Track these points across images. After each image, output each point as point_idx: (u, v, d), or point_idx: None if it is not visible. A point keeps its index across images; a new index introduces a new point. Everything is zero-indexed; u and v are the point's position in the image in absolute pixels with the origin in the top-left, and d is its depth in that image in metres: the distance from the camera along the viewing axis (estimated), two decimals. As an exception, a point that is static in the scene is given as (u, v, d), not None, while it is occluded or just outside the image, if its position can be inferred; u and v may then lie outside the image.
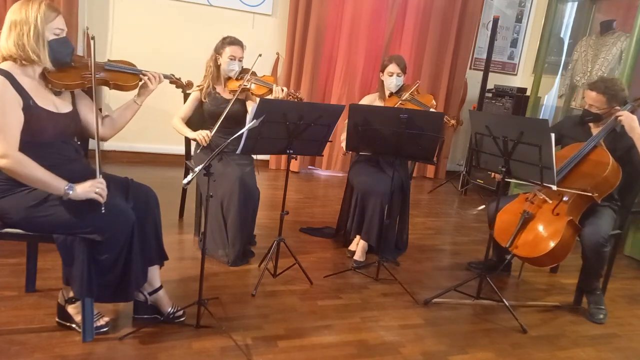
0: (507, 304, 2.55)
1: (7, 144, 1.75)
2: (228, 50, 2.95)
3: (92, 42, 1.97)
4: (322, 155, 4.80)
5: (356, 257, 3.07)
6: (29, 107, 1.83)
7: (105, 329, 2.02)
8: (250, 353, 2.02)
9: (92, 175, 1.89)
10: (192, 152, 3.14)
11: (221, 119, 2.82)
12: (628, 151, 2.64)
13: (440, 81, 5.61)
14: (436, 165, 5.80)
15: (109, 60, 2.14)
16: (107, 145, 4.66)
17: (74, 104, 2.04)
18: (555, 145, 2.41)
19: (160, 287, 2.16)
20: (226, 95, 3.02)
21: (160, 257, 2.17)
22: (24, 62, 1.84)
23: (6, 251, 2.57)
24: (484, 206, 4.78)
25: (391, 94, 3.22)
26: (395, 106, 3.10)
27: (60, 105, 1.96)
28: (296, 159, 2.74)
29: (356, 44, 5.27)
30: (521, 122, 2.79)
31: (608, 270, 2.88)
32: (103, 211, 1.84)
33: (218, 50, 2.99)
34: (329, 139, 2.67)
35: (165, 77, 2.25)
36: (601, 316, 2.69)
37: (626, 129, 2.60)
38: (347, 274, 2.89)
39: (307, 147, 2.67)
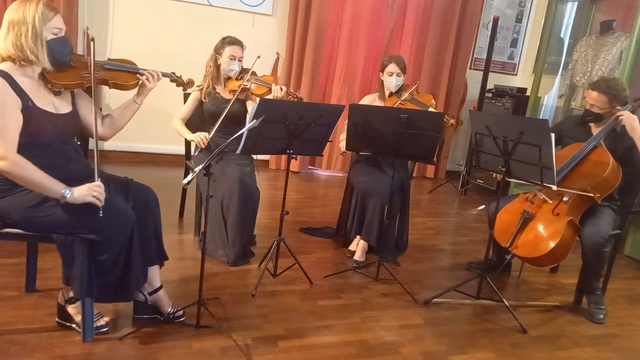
0: (507, 304, 2.55)
1: (6, 146, 1.74)
2: (228, 50, 2.94)
3: (92, 43, 1.95)
4: (322, 155, 4.83)
5: (356, 257, 3.07)
6: (28, 109, 1.82)
7: (105, 329, 2.02)
8: (250, 353, 2.02)
9: (92, 176, 1.88)
10: (192, 152, 3.14)
11: (221, 119, 2.82)
12: (628, 151, 2.64)
13: (440, 81, 5.61)
14: (436, 165, 5.79)
15: (108, 59, 2.12)
16: (107, 145, 4.67)
17: (73, 103, 2.03)
18: (556, 145, 2.42)
19: (160, 287, 2.16)
20: (226, 95, 3.02)
21: (160, 257, 2.17)
22: (22, 62, 1.83)
23: (6, 251, 2.57)
24: (484, 206, 4.78)
25: (391, 94, 3.23)
26: (395, 106, 3.11)
27: (59, 105, 1.95)
28: (296, 159, 2.74)
29: (356, 44, 5.27)
30: (521, 122, 2.79)
31: (608, 270, 2.88)
32: (101, 215, 1.83)
33: (218, 50, 2.99)
34: (329, 139, 2.67)
35: (165, 75, 2.23)
36: (601, 316, 2.69)
37: (627, 129, 2.60)
38: (347, 274, 2.89)
39: (307, 147, 2.67)
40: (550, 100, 5.26)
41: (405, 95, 3.17)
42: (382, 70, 3.22)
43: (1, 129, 1.74)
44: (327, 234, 3.47)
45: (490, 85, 5.31)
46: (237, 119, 3.00)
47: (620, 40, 4.35)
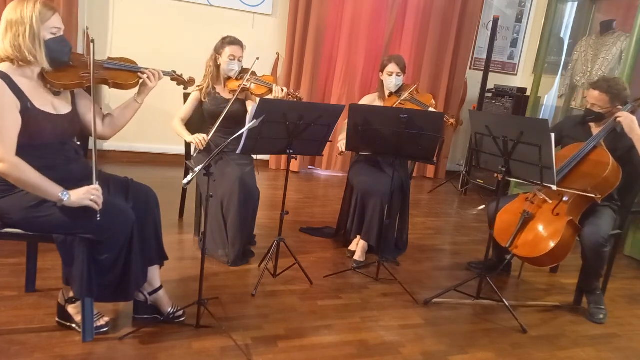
0: (507, 304, 2.55)
1: (4, 148, 1.73)
2: (228, 50, 2.94)
3: (92, 45, 1.93)
4: (322, 155, 4.83)
5: (356, 257, 3.07)
6: (27, 110, 1.81)
7: (105, 329, 2.02)
8: (250, 353, 2.01)
9: (91, 176, 1.88)
10: (192, 153, 3.14)
11: (221, 119, 2.82)
12: (628, 151, 2.63)
13: (440, 81, 5.61)
14: (436, 165, 5.79)
15: (108, 58, 2.11)
16: (107, 145, 4.67)
17: (73, 104, 2.02)
18: (556, 145, 2.42)
19: (160, 287, 2.16)
20: (226, 95, 3.02)
21: (160, 257, 2.17)
22: (21, 63, 1.81)
23: (6, 251, 2.57)
24: (484, 206, 4.78)
25: (391, 94, 3.23)
26: (395, 106, 3.11)
27: (59, 106, 1.94)
28: (296, 159, 2.74)
29: (356, 44, 5.27)
30: (521, 122, 2.79)
31: (608, 270, 2.88)
32: (99, 218, 1.82)
33: (218, 50, 2.99)
34: (329, 139, 2.67)
35: (166, 74, 2.22)
36: (601, 316, 2.69)
37: (625, 130, 2.60)
38: (347, 274, 2.89)
39: (307, 147, 2.67)
40: (550, 100, 5.26)
41: (405, 95, 3.18)
42: (382, 70, 3.22)
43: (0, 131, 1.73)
44: (327, 234, 3.46)
45: (490, 85, 5.32)
46: (237, 119, 3.00)
47: (620, 40, 4.35)
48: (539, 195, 2.76)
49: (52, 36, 1.85)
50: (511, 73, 6.15)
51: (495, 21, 5.10)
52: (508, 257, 2.87)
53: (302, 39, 5.00)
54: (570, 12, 5.26)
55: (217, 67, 3.01)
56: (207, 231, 2.28)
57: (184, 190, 3.47)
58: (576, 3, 5.19)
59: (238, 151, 2.42)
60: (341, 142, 3.06)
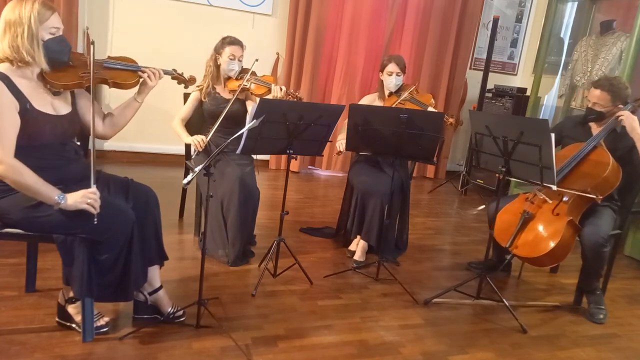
0: (507, 304, 2.55)
1: (3, 150, 1.72)
2: (228, 50, 2.94)
3: (92, 47, 1.91)
4: (322, 155, 4.82)
5: (356, 257, 3.07)
6: (26, 111, 1.80)
7: (105, 329, 2.02)
8: (250, 353, 2.01)
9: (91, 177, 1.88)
10: (192, 153, 3.14)
11: (220, 119, 2.82)
12: (629, 151, 2.63)
13: (440, 81, 5.61)
14: (436, 165, 5.79)
15: (108, 57, 2.09)
16: (107, 145, 4.67)
17: (73, 104, 2.02)
18: (556, 145, 2.42)
19: (160, 287, 2.16)
20: (226, 95, 3.02)
21: (160, 257, 2.17)
22: (19, 64, 1.80)
23: (6, 251, 2.57)
24: (484, 206, 4.78)
25: (391, 94, 3.23)
26: (395, 106, 3.11)
27: (58, 106, 1.94)
28: (296, 159, 2.75)
29: (356, 44, 5.27)
30: (521, 122, 2.79)
31: (608, 270, 2.88)
32: (95, 222, 1.81)
33: (218, 50, 2.99)
34: (329, 139, 2.67)
35: (167, 73, 2.21)
36: (601, 316, 2.69)
37: (627, 129, 2.60)
38: (347, 274, 2.89)
39: (307, 147, 2.67)
40: (550, 100, 5.26)
41: (405, 95, 3.18)
42: (382, 70, 3.22)
43: None
44: (327, 234, 3.46)
45: (490, 85, 5.32)
46: (237, 119, 3.00)
47: (620, 40, 4.35)
48: (539, 195, 2.76)
49: (51, 36, 1.84)
50: (511, 73, 6.15)
51: (495, 21, 5.10)
52: (508, 257, 2.86)
53: (302, 39, 5.00)
54: (570, 12, 5.26)
55: (217, 67, 3.01)
56: (207, 231, 2.28)
57: (184, 190, 3.47)
58: (576, 3, 5.19)
59: (238, 151, 2.42)
60: (340, 142, 3.07)
